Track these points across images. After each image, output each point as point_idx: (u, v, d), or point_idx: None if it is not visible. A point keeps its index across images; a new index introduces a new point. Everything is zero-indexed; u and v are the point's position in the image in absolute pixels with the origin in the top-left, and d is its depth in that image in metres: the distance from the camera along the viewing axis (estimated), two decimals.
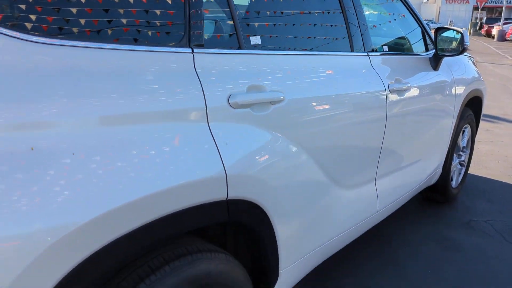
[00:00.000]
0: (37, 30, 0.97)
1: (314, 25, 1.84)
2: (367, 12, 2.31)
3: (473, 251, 2.75)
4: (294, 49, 1.69)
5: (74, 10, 1.04)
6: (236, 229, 1.57)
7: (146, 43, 1.17)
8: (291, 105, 1.52)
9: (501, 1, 46.86)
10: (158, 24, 1.21)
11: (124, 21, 1.14)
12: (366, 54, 2.08)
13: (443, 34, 2.70)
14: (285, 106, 1.50)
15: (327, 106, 1.71)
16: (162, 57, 1.18)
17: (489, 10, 57.85)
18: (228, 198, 1.28)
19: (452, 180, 3.42)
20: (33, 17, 0.97)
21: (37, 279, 0.87)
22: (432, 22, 57.34)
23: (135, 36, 1.16)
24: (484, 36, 37.20)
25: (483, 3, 45.58)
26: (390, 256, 2.66)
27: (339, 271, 2.48)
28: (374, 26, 2.49)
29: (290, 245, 1.62)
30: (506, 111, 6.96)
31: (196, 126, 1.21)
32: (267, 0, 1.64)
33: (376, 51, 2.21)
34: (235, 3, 1.45)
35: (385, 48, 2.35)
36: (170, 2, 1.24)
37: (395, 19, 2.70)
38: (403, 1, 2.65)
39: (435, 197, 3.40)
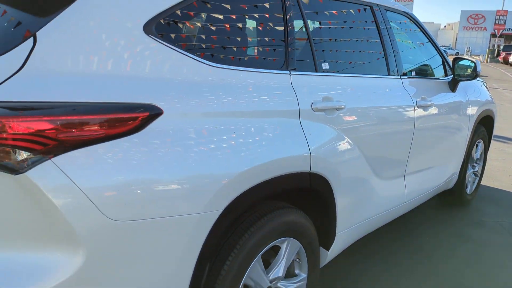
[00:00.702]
0: (212, 58, 1.61)
1: (363, 55, 2.47)
2: (398, 40, 2.92)
3: (484, 242, 3.30)
4: (350, 72, 2.32)
5: (231, 46, 1.69)
6: (304, 200, 2.16)
7: (266, 67, 1.80)
8: (349, 112, 2.14)
9: None
10: (271, 55, 1.85)
11: (255, 52, 1.78)
12: (399, 77, 2.70)
13: (459, 63, 3.31)
14: (345, 112, 2.11)
15: (373, 115, 2.32)
16: (273, 76, 1.82)
17: (507, 37, 58.16)
18: (310, 171, 1.89)
19: (467, 187, 3.96)
20: (210, 50, 1.62)
21: (228, 193, 1.51)
22: (449, 48, 57.81)
23: (260, 63, 1.80)
24: (502, 63, 37.60)
25: (501, 30, 46.07)
26: (414, 241, 3.22)
27: (368, 247, 3.04)
28: (401, 51, 3.11)
29: (344, 215, 2.21)
30: None
31: (293, 121, 1.83)
32: (331, 38, 2.28)
33: (406, 74, 2.82)
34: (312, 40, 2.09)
35: (413, 72, 2.96)
36: (278, 42, 1.89)
37: (419, 47, 3.31)
38: (426, 34, 3.28)
39: (452, 200, 3.94)
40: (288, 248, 1.91)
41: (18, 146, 1.13)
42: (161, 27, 1.49)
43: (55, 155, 1.17)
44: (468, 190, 4.00)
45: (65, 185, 1.17)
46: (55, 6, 1.31)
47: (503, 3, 59.30)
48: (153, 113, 1.35)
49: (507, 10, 48.09)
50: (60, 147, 1.17)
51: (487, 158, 4.72)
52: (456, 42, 68.32)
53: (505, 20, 46.82)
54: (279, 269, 1.89)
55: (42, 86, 1.20)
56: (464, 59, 3.31)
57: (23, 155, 1.13)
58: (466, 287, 2.69)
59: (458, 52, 58.44)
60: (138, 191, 1.29)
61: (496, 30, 45.64)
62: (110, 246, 1.27)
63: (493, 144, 6.08)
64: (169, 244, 1.39)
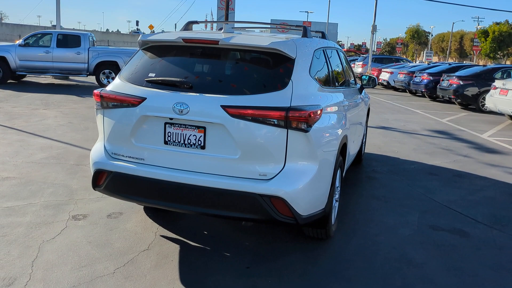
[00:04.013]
0: (322, 83, 3.59)
1: (337, 78, 4.69)
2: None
3: (376, 180, 5.90)
4: (334, 87, 4.51)
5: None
6: None
7: (329, 86, 3.85)
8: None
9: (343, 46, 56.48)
10: (329, 81, 3.91)
11: (326, 80, 3.83)
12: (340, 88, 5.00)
13: (363, 77, 5.80)
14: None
15: (339, 105, 4.56)
16: (333, 89, 3.88)
17: None
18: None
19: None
20: (324, 81, 3.60)
21: (339, 143, 3.54)
22: None
23: (327, 83, 3.84)
24: None
25: None
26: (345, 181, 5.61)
27: None
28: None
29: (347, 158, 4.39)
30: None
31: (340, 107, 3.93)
32: (335, 68, 4.43)
33: (342, 85, 5.12)
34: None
35: (344, 84, 5.29)
36: (329, 77, 3.95)
37: (347, 69, 5.68)
38: (347, 63, 5.67)
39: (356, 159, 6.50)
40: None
41: (303, 122, 3.00)
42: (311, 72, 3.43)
43: (311, 125, 3.06)
44: (362, 153, 6.61)
45: (310, 135, 3.07)
46: (291, 67, 3.16)
47: (307, 16, 69.46)
48: (321, 108, 3.29)
49: (310, 22, 56.98)
50: (311, 123, 3.07)
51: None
52: None
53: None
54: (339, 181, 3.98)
55: (299, 99, 3.06)
56: (365, 75, 5.81)
57: (306, 125, 3.01)
58: (378, 195, 5.16)
59: None
60: (329, 140, 3.27)
61: None
62: (322, 160, 3.21)
63: None
64: (332, 159, 3.39)
